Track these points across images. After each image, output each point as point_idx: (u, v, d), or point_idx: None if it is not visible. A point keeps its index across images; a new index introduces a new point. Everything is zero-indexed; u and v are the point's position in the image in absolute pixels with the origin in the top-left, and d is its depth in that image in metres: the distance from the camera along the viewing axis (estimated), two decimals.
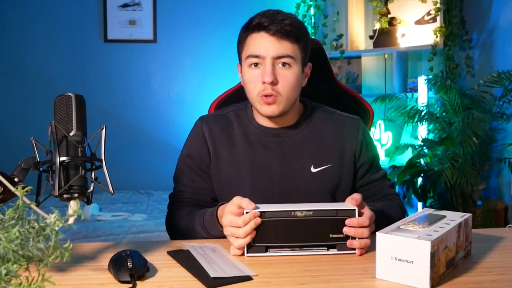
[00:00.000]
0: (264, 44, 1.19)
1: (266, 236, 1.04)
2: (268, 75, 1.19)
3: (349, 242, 1.04)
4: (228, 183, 1.28)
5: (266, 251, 1.05)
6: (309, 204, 1.09)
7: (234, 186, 1.27)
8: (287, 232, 1.04)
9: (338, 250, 1.05)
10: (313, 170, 1.28)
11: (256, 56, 1.20)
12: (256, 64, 1.21)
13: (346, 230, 1.04)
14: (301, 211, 1.04)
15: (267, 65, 1.19)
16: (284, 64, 1.20)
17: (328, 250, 1.06)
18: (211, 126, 1.32)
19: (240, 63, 1.28)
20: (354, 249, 1.05)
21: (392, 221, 1.10)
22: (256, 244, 1.04)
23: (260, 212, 1.03)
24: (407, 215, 1.28)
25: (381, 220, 1.14)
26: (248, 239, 1.03)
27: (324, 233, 1.04)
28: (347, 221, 1.04)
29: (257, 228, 1.03)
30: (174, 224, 1.31)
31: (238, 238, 1.03)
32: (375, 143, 3.50)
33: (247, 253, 1.04)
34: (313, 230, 1.04)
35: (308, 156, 1.28)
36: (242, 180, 1.27)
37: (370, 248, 1.07)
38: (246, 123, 1.32)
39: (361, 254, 1.05)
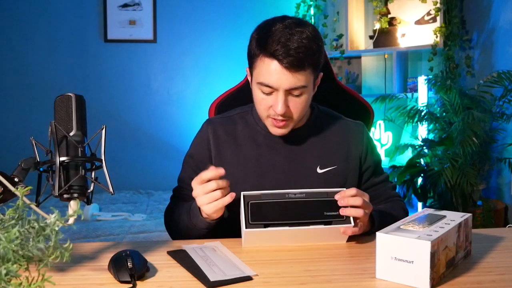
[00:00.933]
0: (277, 74, 1.14)
1: (264, 215, 1.07)
2: (280, 107, 1.16)
3: (341, 210, 1.08)
4: (233, 184, 1.28)
5: (265, 227, 1.07)
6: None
7: (240, 186, 1.26)
8: (284, 211, 1.08)
9: (335, 224, 1.08)
10: (319, 171, 1.29)
11: (268, 86, 1.17)
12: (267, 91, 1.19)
13: (339, 200, 1.08)
14: (294, 193, 1.09)
15: (280, 97, 1.16)
16: (296, 94, 1.18)
17: (325, 225, 1.09)
18: (216, 128, 1.32)
19: (251, 72, 1.24)
20: (350, 223, 1.08)
21: (395, 221, 1.11)
22: (255, 223, 1.07)
23: (257, 194, 1.09)
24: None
25: (385, 219, 1.17)
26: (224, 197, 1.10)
27: (318, 211, 1.09)
28: (337, 195, 1.09)
29: (255, 209, 1.07)
30: (170, 216, 1.33)
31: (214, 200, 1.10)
32: (375, 143, 3.50)
33: (246, 228, 1.06)
34: (308, 209, 1.09)
35: (315, 157, 1.29)
36: (247, 180, 1.27)
37: (370, 248, 1.07)
38: (253, 125, 1.32)
39: (357, 230, 1.09)
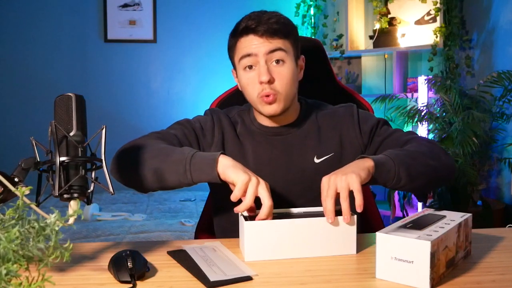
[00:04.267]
0: (253, 44, 1.20)
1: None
2: (264, 74, 1.19)
3: (328, 219, 1.03)
4: None
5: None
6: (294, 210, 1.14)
7: None
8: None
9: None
10: (316, 160, 1.29)
11: (249, 55, 1.21)
12: (250, 67, 1.22)
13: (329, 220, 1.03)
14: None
15: (261, 64, 1.20)
16: (278, 61, 1.21)
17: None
18: (221, 119, 1.33)
19: (234, 68, 1.29)
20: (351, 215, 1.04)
21: (414, 154, 1.14)
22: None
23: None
24: (441, 149, 1.23)
25: (396, 154, 1.13)
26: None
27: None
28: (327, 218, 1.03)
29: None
30: (144, 147, 1.16)
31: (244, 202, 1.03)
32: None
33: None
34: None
35: (311, 148, 1.30)
36: None
37: (370, 248, 1.08)
38: (249, 124, 1.33)
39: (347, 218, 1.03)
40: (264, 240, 1.02)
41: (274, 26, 1.19)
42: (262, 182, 1.05)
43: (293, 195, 1.27)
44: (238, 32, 1.23)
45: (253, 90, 1.23)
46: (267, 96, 1.21)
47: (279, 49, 1.20)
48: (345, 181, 1.03)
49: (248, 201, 1.02)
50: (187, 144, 1.27)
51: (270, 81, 1.20)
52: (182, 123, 1.32)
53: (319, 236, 1.04)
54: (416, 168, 1.14)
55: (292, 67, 1.23)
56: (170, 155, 1.12)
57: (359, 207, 1.01)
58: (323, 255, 1.04)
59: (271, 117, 1.27)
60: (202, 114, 1.38)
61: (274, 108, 1.23)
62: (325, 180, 1.07)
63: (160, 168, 1.11)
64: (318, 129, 1.32)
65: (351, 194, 1.03)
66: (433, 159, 1.19)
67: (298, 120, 1.32)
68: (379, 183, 1.13)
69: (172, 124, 1.33)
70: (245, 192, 1.03)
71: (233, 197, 1.03)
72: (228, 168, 1.05)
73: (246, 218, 1.05)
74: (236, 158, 1.26)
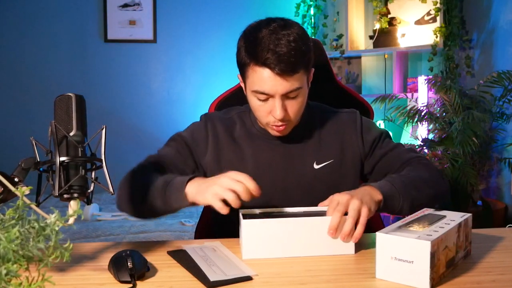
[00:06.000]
0: (270, 81, 1.13)
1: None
2: (279, 113, 1.16)
3: (330, 234, 1.03)
4: None
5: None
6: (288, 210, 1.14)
7: None
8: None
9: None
10: (316, 166, 1.29)
11: (263, 93, 1.16)
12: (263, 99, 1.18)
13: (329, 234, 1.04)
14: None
15: (277, 103, 1.16)
16: (293, 97, 1.18)
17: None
18: (215, 124, 1.32)
19: (243, 80, 1.23)
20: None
21: (418, 184, 1.16)
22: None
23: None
24: (439, 174, 1.26)
25: (397, 182, 1.15)
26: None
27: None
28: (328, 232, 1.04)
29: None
30: (137, 177, 1.21)
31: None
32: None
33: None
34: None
35: (311, 153, 1.29)
36: None
37: (370, 248, 1.08)
38: (249, 126, 1.32)
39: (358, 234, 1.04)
40: (262, 239, 1.03)
41: (292, 59, 1.11)
42: (223, 187, 1.01)
43: (291, 200, 1.26)
44: (252, 56, 1.14)
45: (263, 117, 1.21)
46: (278, 126, 1.21)
47: (296, 89, 1.15)
48: (357, 210, 1.04)
49: (234, 205, 1.01)
50: (181, 161, 1.28)
51: (284, 118, 1.18)
52: (175, 139, 1.32)
53: (316, 235, 1.04)
54: (419, 199, 1.18)
55: (305, 94, 1.21)
56: (153, 190, 1.14)
57: (355, 239, 1.04)
58: (320, 254, 1.04)
59: None
60: (202, 113, 1.38)
61: (282, 133, 1.24)
62: (338, 197, 1.07)
63: (152, 204, 1.14)
64: (319, 134, 1.32)
65: None
66: (433, 188, 1.23)
67: (300, 124, 1.31)
68: (381, 212, 1.16)
69: (167, 141, 1.33)
70: (224, 201, 1.01)
71: (221, 212, 1.02)
72: (195, 197, 1.06)
73: (244, 217, 1.06)
74: (234, 162, 1.27)
